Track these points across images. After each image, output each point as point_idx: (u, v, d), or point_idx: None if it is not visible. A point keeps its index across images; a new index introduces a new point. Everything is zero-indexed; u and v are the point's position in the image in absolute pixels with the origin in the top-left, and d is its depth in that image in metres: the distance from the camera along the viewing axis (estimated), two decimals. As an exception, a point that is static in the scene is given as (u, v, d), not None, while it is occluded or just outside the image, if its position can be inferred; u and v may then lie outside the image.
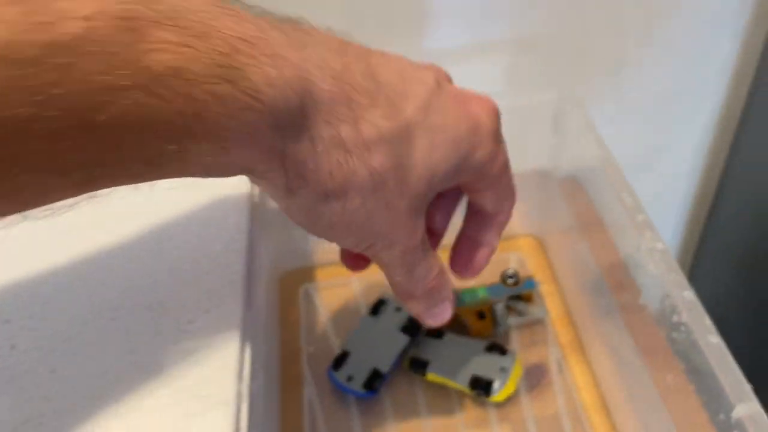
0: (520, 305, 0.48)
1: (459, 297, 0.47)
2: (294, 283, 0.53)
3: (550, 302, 0.50)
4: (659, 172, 0.69)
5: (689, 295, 0.36)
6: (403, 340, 0.44)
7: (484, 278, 0.47)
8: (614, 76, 0.59)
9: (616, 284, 0.45)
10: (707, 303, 0.81)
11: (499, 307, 0.47)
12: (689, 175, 0.70)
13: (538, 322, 0.48)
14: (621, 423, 0.43)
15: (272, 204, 0.49)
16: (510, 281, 0.47)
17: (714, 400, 0.33)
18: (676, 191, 0.72)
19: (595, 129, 0.47)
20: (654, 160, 0.67)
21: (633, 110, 0.62)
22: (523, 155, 0.54)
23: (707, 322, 0.35)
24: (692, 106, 0.63)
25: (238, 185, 0.39)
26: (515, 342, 0.47)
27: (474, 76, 0.58)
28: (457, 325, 0.47)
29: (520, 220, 0.55)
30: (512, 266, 0.49)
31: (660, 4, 0.55)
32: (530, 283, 0.48)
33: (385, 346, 0.44)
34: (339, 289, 0.52)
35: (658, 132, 0.65)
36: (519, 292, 0.47)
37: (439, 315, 0.32)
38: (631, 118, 0.63)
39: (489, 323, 0.47)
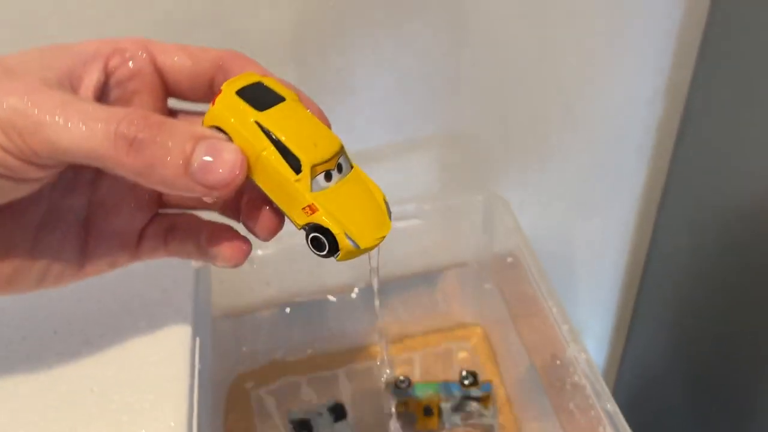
0: (473, 405, 0.49)
1: (412, 389, 0.48)
2: (246, 387, 0.54)
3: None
4: (589, 245, 0.72)
5: (612, 408, 0.39)
6: None
7: (437, 374, 0.50)
8: (538, 162, 0.62)
9: (544, 372, 0.47)
10: (645, 360, 0.84)
11: (447, 406, 0.48)
12: (618, 246, 0.74)
13: (488, 428, 0.50)
14: None
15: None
16: (466, 381, 0.49)
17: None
18: (608, 261, 0.75)
19: (521, 228, 0.50)
20: (584, 234, 0.71)
21: (559, 191, 0.65)
22: (459, 248, 0.57)
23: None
24: (614, 182, 0.67)
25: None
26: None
27: (404, 173, 0.61)
28: (404, 417, 0.48)
29: (462, 311, 0.58)
30: (466, 366, 0.51)
31: (579, 93, 0.58)
32: (486, 386, 0.50)
33: None
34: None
35: (585, 208, 0.68)
36: (474, 395, 0.49)
37: (209, 168, 0.24)
38: (558, 197, 0.66)
39: (435, 420, 0.48)
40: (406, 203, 0.52)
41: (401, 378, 0.51)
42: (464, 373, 0.51)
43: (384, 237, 0.26)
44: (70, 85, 0.25)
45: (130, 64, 0.27)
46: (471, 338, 0.56)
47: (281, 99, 0.26)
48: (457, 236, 0.55)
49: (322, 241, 0.25)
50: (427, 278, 0.57)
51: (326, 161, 0.25)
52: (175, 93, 0.29)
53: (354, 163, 0.27)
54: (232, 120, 0.25)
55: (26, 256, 0.27)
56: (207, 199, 0.25)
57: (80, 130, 0.23)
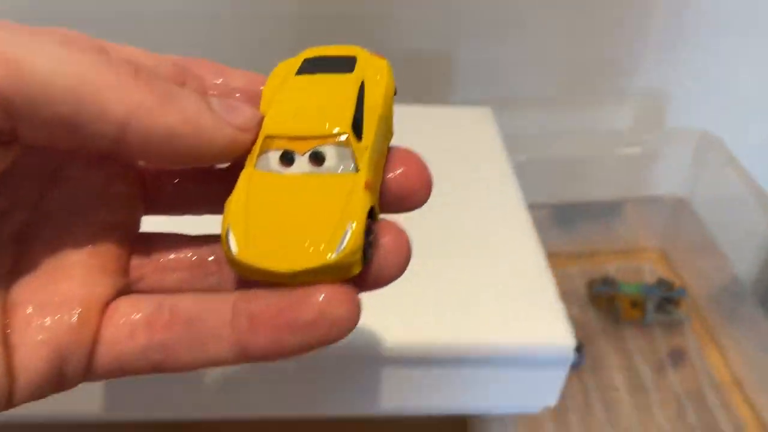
0: (668, 307, 0.58)
1: (618, 286, 0.58)
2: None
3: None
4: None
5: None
6: None
7: (640, 277, 0.57)
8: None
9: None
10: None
11: (651, 303, 0.56)
12: None
13: (679, 323, 0.58)
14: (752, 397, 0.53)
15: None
16: (664, 287, 0.56)
17: None
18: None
19: (739, 162, 0.56)
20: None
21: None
22: (661, 180, 0.63)
23: None
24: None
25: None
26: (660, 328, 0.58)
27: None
28: (611, 309, 0.57)
29: (648, 237, 0.64)
30: (662, 275, 0.59)
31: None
32: (681, 291, 0.57)
33: None
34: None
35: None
36: (671, 296, 0.57)
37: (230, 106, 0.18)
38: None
39: (639, 312, 0.57)
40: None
41: (607, 276, 0.59)
42: (664, 278, 0.59)
43: (304, 270, 0.16)
44: None
45: None
46: (655, 260, 0.64)
47: (343, 70, 0.19)
48: (662, 167, 0.61)
49: None
50: (614, 208, 0.63)
51: (291, 138, 0.18)
52: None
53: (367, 175, 0.17)
54: (272, 79, 0.20)
55: None
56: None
57: (68, 57, 0.16)
